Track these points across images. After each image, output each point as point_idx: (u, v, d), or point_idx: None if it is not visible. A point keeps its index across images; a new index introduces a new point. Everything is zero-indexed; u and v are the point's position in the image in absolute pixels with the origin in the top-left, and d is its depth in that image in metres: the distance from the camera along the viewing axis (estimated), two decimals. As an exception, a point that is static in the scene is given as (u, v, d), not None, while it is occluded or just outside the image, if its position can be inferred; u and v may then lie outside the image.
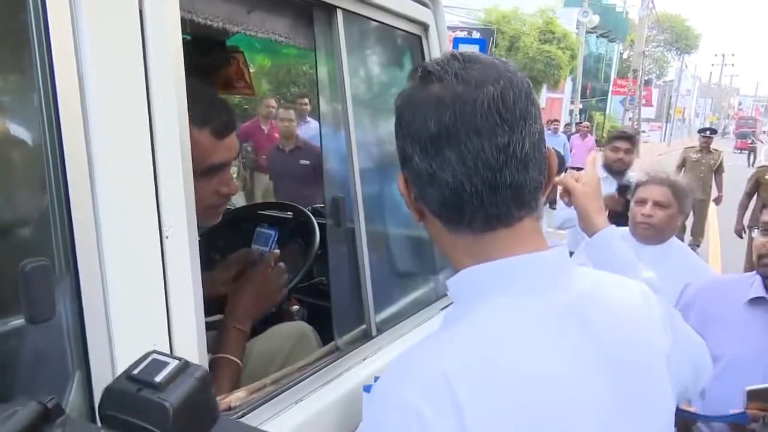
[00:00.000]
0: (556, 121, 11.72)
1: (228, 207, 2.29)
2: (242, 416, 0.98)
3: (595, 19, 21.29)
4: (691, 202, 2.22)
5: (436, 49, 1.58)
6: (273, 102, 5.91)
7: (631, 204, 2.21)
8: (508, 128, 0.62)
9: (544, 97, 21.16)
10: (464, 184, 0.63)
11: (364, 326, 1.34)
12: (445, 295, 1.70)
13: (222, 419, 0.54)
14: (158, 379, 0.49)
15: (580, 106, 21.21)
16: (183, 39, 2.02)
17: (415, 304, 1.56)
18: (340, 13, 1.21)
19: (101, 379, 0.74)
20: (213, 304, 1.50)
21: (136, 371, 0.51)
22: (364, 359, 1.29)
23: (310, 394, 1.12)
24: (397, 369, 0.64)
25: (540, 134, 0.66)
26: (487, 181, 0.63)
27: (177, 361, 0.51)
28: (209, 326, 1.54)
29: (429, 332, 1.49)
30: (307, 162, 4.52)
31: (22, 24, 0.67)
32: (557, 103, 23.44)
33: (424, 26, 1.54)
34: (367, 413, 0.64)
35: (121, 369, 0.75)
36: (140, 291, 0.79)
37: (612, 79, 29.32)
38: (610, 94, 28.34)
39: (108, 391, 0.49)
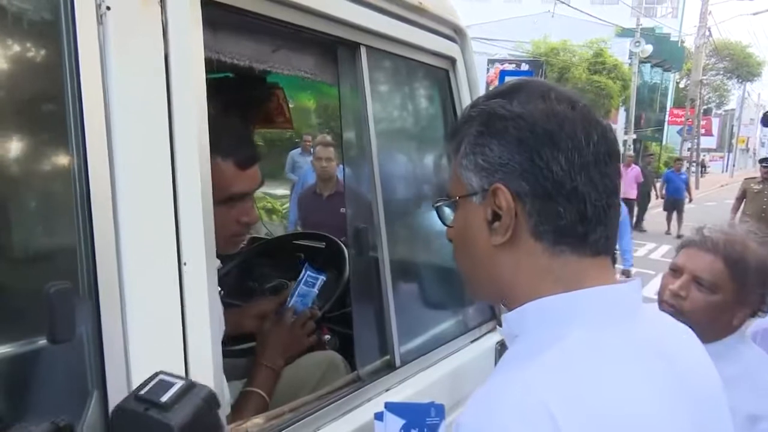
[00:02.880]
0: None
1: (265, 237, 2.36)
2: (259, 443, 0.99)
3: (648, 48, 20.87)
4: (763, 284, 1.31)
5: (464, 82, 1.61)
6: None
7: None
8: (616, 160, 0.67)
9: (596, 127, 20.69)
10: (601, 204, 0.64)
11: (387, 357, 1.34)
12: (476, 326, 1.68)
13: None
14: (164, 399, 0.51)
15: (634, 137, 20.67)
16: (225, 77, 2.13)
17: (443, 336, 1.55)
18: (363, 50, 1.25)
19: (117, 400, 0.77)
20: (245, 332, 1.54)
21: (143, 391, 0.52)
22: (387, 390, 1.29)
23: (328, 423, 1.12)
24: (488, 401, 0.60)
25: None
26: (612, 204, 0.66)
27: (183, 382, 0.52)
28: (241, 353, 1.59)
29: (457, 364, 1.49)
30: (351, 217, 3.83)
31: (55, 67, 0.74)
32: (610, 133, 22.86)
33: (452, 60, 1.57)
34: None
35: (135, 386, 0.79)
36: (158, 316, 0.82)
37: (668, 108, 28.52)
38: (666, 123, 27.53)
39: (117, 410, 0.51)
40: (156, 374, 0.53)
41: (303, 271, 1.50)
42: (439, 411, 1.12)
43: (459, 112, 1.59)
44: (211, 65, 1.14)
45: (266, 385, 1.28)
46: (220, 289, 2.04)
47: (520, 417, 0.56)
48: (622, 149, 19.32)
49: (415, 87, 1.57)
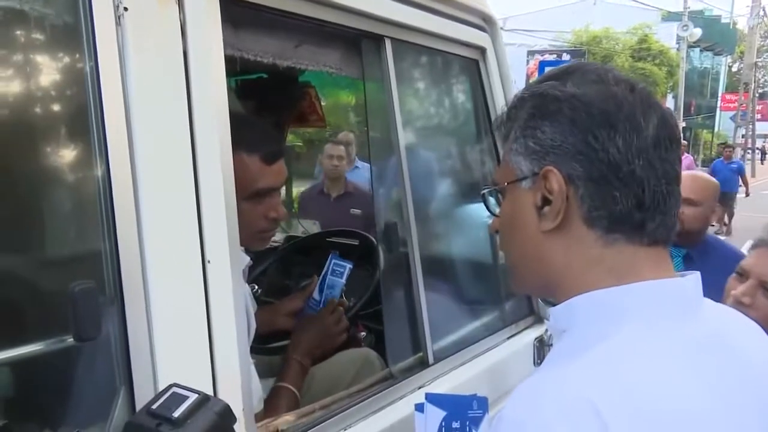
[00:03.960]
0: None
1: (299, 235, 2.38)
2: (288, 440, 0.99)
3: (697, 32, 20.04)
4: None
5: (495, 73, 1.57)
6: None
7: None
8: (677, 147, 0.64)
9: (642, 116, 20.04)
10: (659, 190, 0.62)
11: (420, 354, 1.32)
12: (513, 323, 1.64)
13: None
14: (176, 414, 0.49)
15: (683, 125, 19.91)
16: (259, 77, 2.15)
17: (478, 332, 1.52)
18: (388, 42, 1.23)
19: (143, 397, 0.78)
20: (279, 330, 1.55)
21: (155, 405, 0.50)
22: (420, 387, 1.27)
23: (358, 421, 1.11)
24: (529, 396, 0.58)
25: None
26: (672, 192, 0.63)
27: (196, 396, 0.50)
28: (275, 351, 1.60)
29: (493, 361, 1.45)
30: (358, 212, 3.35)
31: (75, 68, 0.75)
32: (657, 122, 22.10)
33: (481, 50, 1.53)
34: None
35: (162, 384, 0.79)
36: (182, 314, 0.83)
37: (720, 94, 27.35)
38: (718, 110, 26.41)
39: (129, 426, 0.50)
40: (169, 387, 0.51)
41: (328, 262, 1.50)
42: (482, 404, 1.09)
43: (490, 103, 1.55)
44: (233, 63, 1.15)
45: (296, 380, 1.29)
46: (257, 287, 2.08)
47: (564, 414, 0.53)
48: (671, 138, 18.64)
49: (443, 79, 1.54)
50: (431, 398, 1.06)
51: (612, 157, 0.60)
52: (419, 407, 1.06)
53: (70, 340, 0.74)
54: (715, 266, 1.32)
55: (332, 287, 1.47)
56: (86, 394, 0.80)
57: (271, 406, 1.19)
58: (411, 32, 1.30)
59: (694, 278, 0.65)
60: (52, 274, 0.79)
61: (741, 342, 0.66)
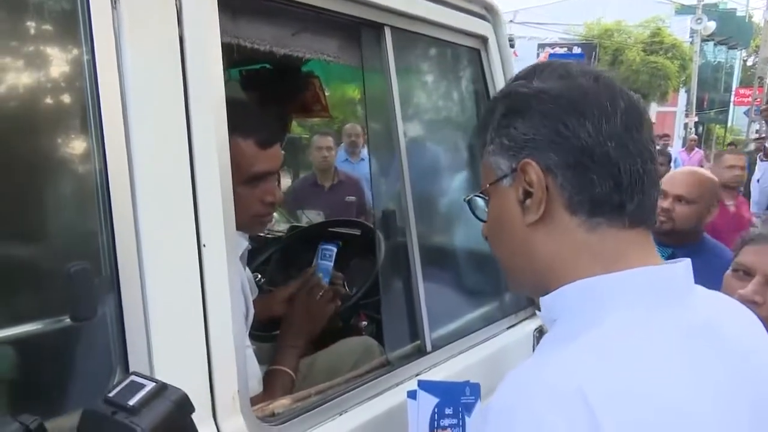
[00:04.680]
0: (666, 135, 10.99)
1: (303, 225, 2.39)
2: (283, 423, 1.00)
3: (711, 25, 19.77)
4: None
5: (497, 62, 1.56)
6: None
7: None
8: (648, 130, 0.66)
9: (653, 110, 19.91)
10: (636, 170, 0.63)
11: (418, 342, 1.33)
12: (513, 313, 1.64)
13: None
14: (132, 402, 0.49)
15: (695, 119, 19.67)
16: (262, 68, 2.16)
17: (477, 322, 1.52)
18: (388, 31, 1.23)
19: (139, 377, 0.80)
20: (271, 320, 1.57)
21: (112, 393, 0.50)
22: (417, 375, 1.28)
23: (354, 406, 1.12)
24: (519, 383, 0.59)
25: None
26: (648, 171, 0.64)
27: (153, 384, 0.51)
28: (274, 338, 1.61)
29: (492, 350, 1.46)
30: (353, 199, 3.56)
31: (71, 52, 0.76)
32: (669, 117, 21.93)
33: (483, 39, 1.53)
34: (489, 430, 0.58)
35: (157, 366, 0.81)
36: (178, 295, 0.84)
37: (734, 88, 27.00)
38: (731, 105, 26.09)
39: (85, 414, 0.50)
40: (128, 375, 0.51)
41: (318, 250, 1.53)
42: (475, 390, 1.10)
43: (492, 93, 1.54)
44: (235, 52, 1.16)
45: (289, 362, 1.30)
46: (259, 276, 2.09)
47: (554, 403, 0.54)
48: (682, 132, 18.47)
49: (444, 68, 1.54)
50: (423, 385, 1.06)
51: (584, 142, 0.62)
52: (412, 394, 1.06)
53: (68, 320, 0.75)
54: (698, 269, 1.24)
55: (323, 270, 1.50)
56: (83, 374, 0.82)
57: (267, 389, 1.21)
58: (411, 21, 1.30)
59: (684, 265, 0.65)
60: (50, 257, 0.81)
61: (732, 330, 0.66)
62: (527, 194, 0.65)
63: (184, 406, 0.50)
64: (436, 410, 1.04)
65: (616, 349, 0.58)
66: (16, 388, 0.84)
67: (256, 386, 1.16)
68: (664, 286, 0.63)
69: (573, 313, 0.64)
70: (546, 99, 0.64)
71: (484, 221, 0.74)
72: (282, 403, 1.06)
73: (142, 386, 0.49)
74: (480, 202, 0.73)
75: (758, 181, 4.93)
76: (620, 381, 0.55)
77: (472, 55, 1.51)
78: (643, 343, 0.58)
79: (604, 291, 0.62)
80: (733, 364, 0.61)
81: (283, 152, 1.25)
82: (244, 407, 0.93)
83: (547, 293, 0.67)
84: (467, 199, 0.76)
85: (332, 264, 1.57)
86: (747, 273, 1.17)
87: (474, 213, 0.75)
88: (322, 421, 1.06)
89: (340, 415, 1.09)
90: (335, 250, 1.55)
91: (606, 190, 0.62)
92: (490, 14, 1.53)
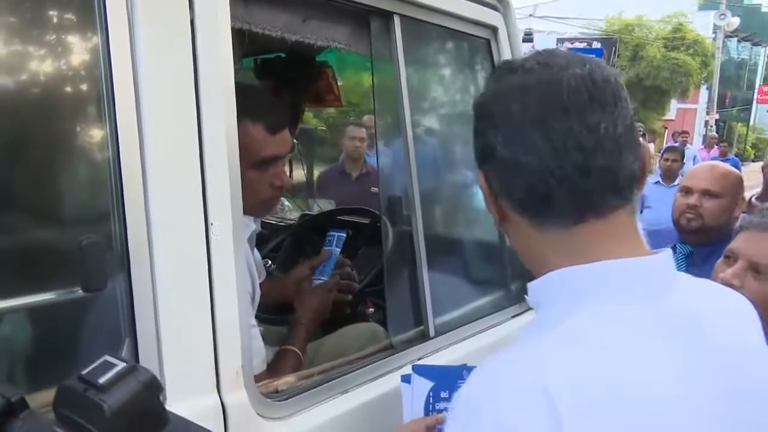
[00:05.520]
0: (685, 132, 10.82)
1: (313, 213, 2.42)
2: (287, 399, 1.03)
3: (735, 21, 19.40)
4: None
5: (507, 53, 1.57)
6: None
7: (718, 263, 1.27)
8: (598, 107, 0.60)
9: (673, 107, 19.63)
10: (552, 168, 0.60)
11: (421, 327, 1.35)
12: (518, 302, 1.65)
13: (176, 420, 0.55)
14: (102, 380, 0.50)
15: (716, 117, 19.34)
16: (278, 57, 2.18)
17: (481, 309, 1.54)
18: (397, 19, 1.25)
19: (147, 348, 0.83)
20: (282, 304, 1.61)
21: (86, 372, 0.52)
22: (420, 358, 1.30)
23: (357, 386, 1.14)
24: (490, 375, 0.59)
25: (632, 119, 0.63)
26: (578, 163, 0.59)
27: (124, 365, 0.52)
28: (283, 322, 1.65)
29: (495, 338, 1.47)
30: (377, 190, 3.85)
31: (87, 34, 0.79)
32: (690, 113, 21.62)
33: (493, 29, 1.53)
34: (457, 416, 0.60)
35: (164, 339, 0.84)
36: (185, 271, 0.87)
37: (757, 86, 26.50)
38: (754, 102, 25.62)
39: (60, 390, 0.52)
40: (103, 357, 0.54)
41: (327, 237, 1.57)
42: None
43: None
44: (242, 36, 1.18)
45: (301, 344, 1.34)
46: (270, 262, 2.13)
47: (518, 402, 0.55)
48: (703, 130, 18.18)
49: (453, 57, 1.55)
50: (418, 369, 1.06)
51: (498, 153, 0.63)
52: (406, 378, 1.07)
53: (80, 291, 0.79)
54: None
55: (329, 257, 1.53)
56: (93, 345, 0.85)
57: (276, 368, 1.24)
58: (421, 9, 1.31)
59: (665, 255, 0.65)
60: (65, 232, 0.84)
61: (717, 321, 0.65)
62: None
63: (152, 386, 0.52)
64: (431, 394, 1.05)
65: (586, 345, 0.58)
66: (25, 358, 0.88)
67: (260, 365, 1.19)
68: (644, 277, 0.62)
69: (553, 302, 0.64)
70: (476, 112, 0.68)
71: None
72: (286, 381, 1.09)
73: (114, 366, 0.52)
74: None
75: None
76: (588, 380, 0.55)
77: (482, 45, 1.52)
78: (615, 338, 0.58)
79: (581, 282, 0.62)
80: (711, 353, 0.61)
81: (295, 141, 1.27)
82: (248, 383, 0.96)
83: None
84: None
85: (340, 250, 1.60)
86: (732, 258, 1.20)
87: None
88: (324, 399, 1.09)
89: (342, 394, 1.12)
90: (344, 236, 1.57)
91: (533, 193, 0.62)
92: (500, 4, 1.54)
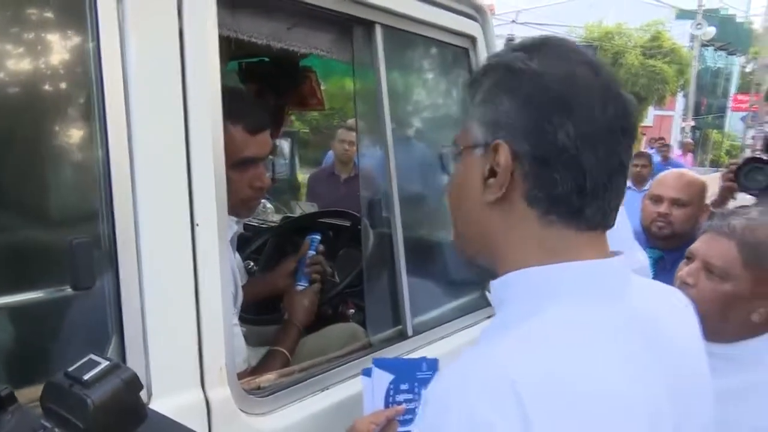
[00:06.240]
0: (662, 139, 11.03)
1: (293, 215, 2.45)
2: (269, 395, 1.07)
3: (711, 31, 19.85)
4: None
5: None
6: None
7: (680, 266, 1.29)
8: (629, 138, 0.65)
9: (651, 114, 19.99)
10: (604, 179, 0.62)
11: (400, 326, 1.39)
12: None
13: (154, 417, 0.58)
14: (87, 377, 0.54)
15: (692, 124, 19.75)
16: (262, 61, 2.21)
17: (459, 309, 1.59)
18: (378, 28, 1.29)
19: (133, 344, 0.86)
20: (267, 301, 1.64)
21: (71, 369, 0.55)
22: (397, 357, 1.34)
23: (336, 384, 1.18)
24: (458, 372, 0.60)
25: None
26: (612, 179, 0.63)
27: (108, 363, 0.55)
28: (267, 322, 1.68)
29: (471, 337, 1.52)
30: (366, 194, 3.83)
31: (79, 41, 0.82)
32: (667, 120, 22.04)
33: (472, 39, 1.58)
34: (427, 414, 0.60)
35: (151, 336, 0.87)
36: (171, 271, 0.90)
37: (731, 94, 27.11)
38: (728, 110, 26.20)
39: (47, 385, 0.55)
40: (88, 356, 0.57)
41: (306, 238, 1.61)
42: (432, 365, 1.11)
43: (479, 91, 1.60)
44: (228, 43, 1.21)
45: (291, 345, 1.38)
46: (251, 263, 2.15)
47: (487, 396, 0.56)
48: (679, 137, 18.54)
49: (433, 66, 1.60)
50: (378, 363, 1.09)
51: (560, 141, 0.60)
52: (366, 372, 1.09)
53: (69, 289, 0.81)
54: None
55: (301, 259, 1.57)
56: (81, 341, 0.88)
57: (266, 367, 1.27)
58: (402, 19, 1.35)
59: (621, 259, 0.67)
60: (54, 231, 0.87)
61: (667, 323, 0.69)
62: (492, 173, 0.64)
63: (132, 383, 0.56)
64: (391, 386, 1.07)
65: (550, 342, 0.60)
66: (14, 355, 0.90)
67: (241, 364, 1.22)
68: (602, 279, 0.65)
69: (516, 301, 0.65)
70: (536, 85, 0.62)
71: (450, 176, 0.73)
72: (267, 378, 1.12)
73: (98, 364, 0.55)
74: (451, 157, 0.73)
75: None
76: (552, 375, 0.57)
77: (461, 54, 1.57)
78: (575, 335, 0.61)
79: (546, 282, 0.64)
80: (658, 351, 0.64)
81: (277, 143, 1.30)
82: (231, 379, 0.99)
83: (492, 269, 0.68)
84: (441, 152, 0.75)
85: (314, 252, 1.62)
86: (691, 258, 1.25)
87: (442, 164, 0.75)
88: (304, 396, 1.12)
89: (322, 391, 1.15)
90: (318, 239, 1.60)
91: (566, 192, 0.62)
92: (478, 14, 1.59)
